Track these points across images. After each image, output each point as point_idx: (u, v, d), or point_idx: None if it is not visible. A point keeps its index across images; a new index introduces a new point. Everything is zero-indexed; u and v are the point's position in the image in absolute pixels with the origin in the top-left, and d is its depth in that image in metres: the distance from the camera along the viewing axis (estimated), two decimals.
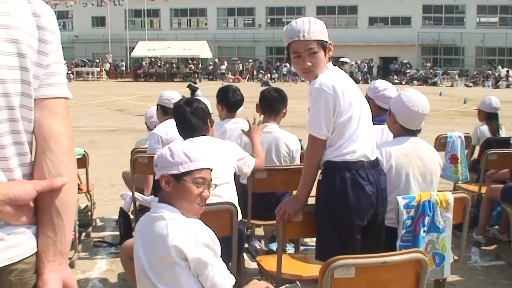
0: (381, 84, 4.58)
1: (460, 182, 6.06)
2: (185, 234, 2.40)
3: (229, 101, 5.13)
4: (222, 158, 3.75)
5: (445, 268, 3.45)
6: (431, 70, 44.72)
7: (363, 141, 3.18)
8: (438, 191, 3.54)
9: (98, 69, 48.40)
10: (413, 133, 3.68)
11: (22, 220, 1.52)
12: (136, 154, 5.12)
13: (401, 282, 2.47)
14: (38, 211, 1.56)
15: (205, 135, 3.85)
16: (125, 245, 3.94)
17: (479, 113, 6.74)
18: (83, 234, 5.93)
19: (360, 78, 45.09)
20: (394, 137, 3.81)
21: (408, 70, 45.01)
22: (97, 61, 50.06)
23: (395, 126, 3.73)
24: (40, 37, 1.55)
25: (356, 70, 45.75)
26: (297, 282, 4.02)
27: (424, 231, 3.31)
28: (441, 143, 6.28)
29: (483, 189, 5.64)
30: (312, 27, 3.16)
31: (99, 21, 54.75)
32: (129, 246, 3.57)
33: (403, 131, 3.69)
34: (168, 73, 44.88)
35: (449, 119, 17.62)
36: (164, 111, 5.34)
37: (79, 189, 6.01)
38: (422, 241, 3.32)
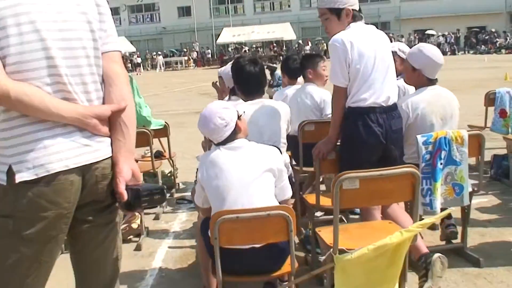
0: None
1: (510, 134, 6.41)
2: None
3: (289, 68, 5.78)
4: (277, 119, 4.26)
5: (464, 197, 3.97)
6: None
7: (376, 88, 3.74)
8: None
9: (186, 58, 50.07)
10: (434, 82, 4.23)
11: (103, 131, 2.23)
12: None
13: (399, 191, 3.06)
14: (111, 125, 2.27)
15: (261, 96, 4.38)
16: None
17: None
18: (167, 194, 6.79)
19: (447, 50, 44.21)
20: (416, 89, 4.35)
21: (496, 39, 43.59)
22: (185, 50, 51.77)
23: (420, 79, 4.27)
24: (98, 10, 2.28)
25: (443, 42, 44.87)
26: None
27: (441, 164, 3.84)
28: (490, 99, 6.64)
29: None
30: None
31: (185, 11, 56.46)
32: None
33: (427, 82, 4.23)
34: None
35: None
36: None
37: (163, 156, 6.89)
38: (440, 172, 3.84)
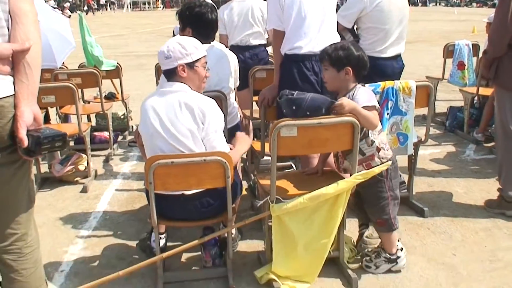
0: None
1: (467, 87, 6.42)
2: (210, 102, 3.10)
3: None
4: (225, 64, 4.05)
5: (408, 147, 3.95)
6: None
7: (312, 36, 3.67)
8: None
9: None
10: None
11: (4, 70, 2.10)
12: None
13: (338, 140, 2.99)
14: (15, 65, 2.14)
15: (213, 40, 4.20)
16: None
17: (488, 26, 6.91)
18: (120, 137, 6.69)
19: (418, 1, 44.12)
20: None
21: None
22: None
23: None
24: None
25: None
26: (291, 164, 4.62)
27: (387, 114, 3.80)
28: (449, 51, 6.59)
29: (481, 91, 6.02)
30: None
31: None
32: None
33: None
34: (223, 1, 44.62)
35: None
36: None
37: (115, 97, 6.74)
38: (386, 122, 3.81)
